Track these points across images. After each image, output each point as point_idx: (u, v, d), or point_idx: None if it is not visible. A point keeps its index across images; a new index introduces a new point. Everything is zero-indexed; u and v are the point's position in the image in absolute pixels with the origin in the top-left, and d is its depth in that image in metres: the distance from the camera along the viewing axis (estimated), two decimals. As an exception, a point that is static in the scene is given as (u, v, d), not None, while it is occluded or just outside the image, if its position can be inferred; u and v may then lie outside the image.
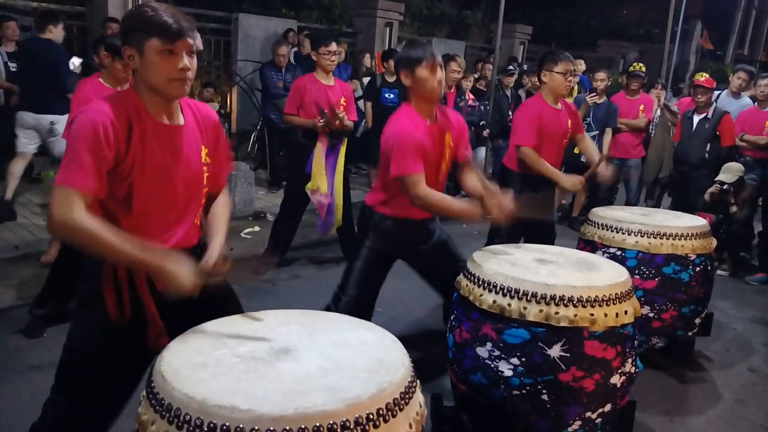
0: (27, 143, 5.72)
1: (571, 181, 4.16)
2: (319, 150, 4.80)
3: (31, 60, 5.80)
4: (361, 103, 8.02)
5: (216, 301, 2.18)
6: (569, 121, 4.34)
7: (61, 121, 5.46)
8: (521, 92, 8.21)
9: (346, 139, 4.91)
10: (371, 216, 3.25)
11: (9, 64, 6.65)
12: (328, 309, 3.25)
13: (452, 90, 7.24)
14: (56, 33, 5.74)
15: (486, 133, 7.99)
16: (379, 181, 3.25)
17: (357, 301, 3.22)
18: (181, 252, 2.09)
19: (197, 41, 2.06)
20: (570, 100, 5.49)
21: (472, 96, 7.96)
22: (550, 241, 4.24)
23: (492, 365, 2.59)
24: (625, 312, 2.56)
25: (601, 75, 7.04)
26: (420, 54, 3.01)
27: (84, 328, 2.10)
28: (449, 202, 3.06)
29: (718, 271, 5.61)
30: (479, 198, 3.04)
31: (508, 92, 8.40)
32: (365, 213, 3.31)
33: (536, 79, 7.39)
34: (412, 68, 3.01)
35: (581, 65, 8.44)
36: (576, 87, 7.73)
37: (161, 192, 2.03)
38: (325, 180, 4.81)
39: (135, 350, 2.07)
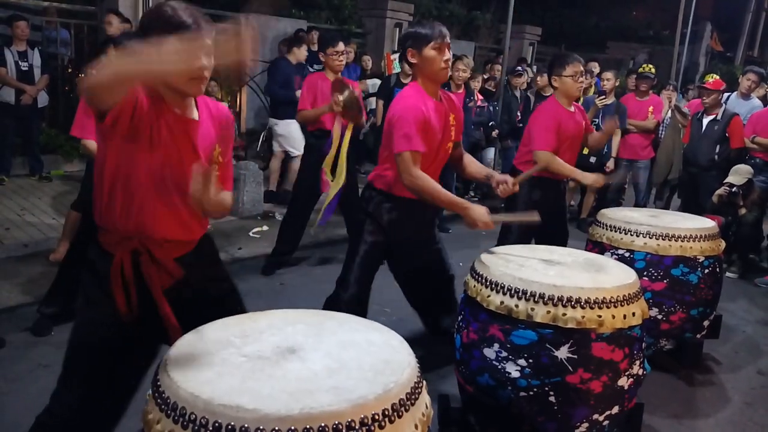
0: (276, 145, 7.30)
1: (592, 177, 4.21)
2: (336, 131, 4.71)
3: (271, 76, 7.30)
4: (371, 102, 8.07)
5: (218, 299, 2.19)
6: (583, 122, 4.35)
7: (279, 124, 7.10)
8: (530, 93, 8.19)
9: (351, 125, 4.81)
10: (370, 195, 3.22)
11: (20, 63, 6.70)
12: (327, 306, 3.27)
13: (461, 90, 7.24)
14: (298, 54, 7.14)
15: (495, 133, 7.98)
16: (383, 155, 3.20)
17: (357, 297, 3.23)
18: (181, 247, 2.12)
19: None
20: (580, 101, 5.47)
21: (480, 96, 7.95)
22: (562, 241, 4.23)
23: (499, 366, 2.58)
24: (633, 314, 2.55)
25: (608, 74, 7.04)
26: (428, 33, 2.97)
27: (90, 323, 2.11)
28: (439, 189, 2.99)
29: (727, 273, 5.58)
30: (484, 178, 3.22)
31: (518, 93, 8.38)
32: (365, 193, 3.27)
33: (546, 80, 7.41)
34: (420, 47, 2.98)
35: (596, 68, 8.41)
36: (593, 87, 7.70)
37: (166, 177, 2.02)
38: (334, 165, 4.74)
39: (141, 346, 2.08)
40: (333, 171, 4.78)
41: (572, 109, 4.26)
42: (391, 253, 3.32)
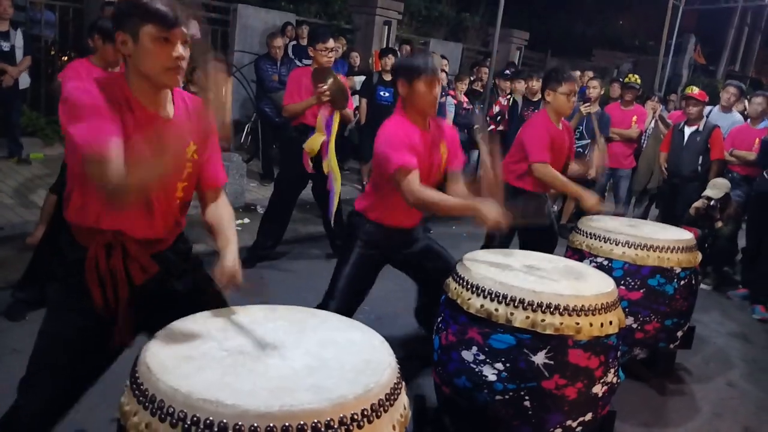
0: None
1: (594, 199, 4.00)
2: (320, 121, 4.79)
3: None
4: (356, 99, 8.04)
5: (196, 294, 2.17)
6: (568, 143, 4.32)
7: None
8: (517, 97, 8.22)
9: (337, 113, 4.87)
10: (358, 221, 3.23)
11: (2, 43, 6.58)
12: None
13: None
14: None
15: (479, 137, 8.01)
16: (370, 186, 3.24)
17: (346, 306, 3.17)
18: (157, 245, 2.09)
19: (196, 29, 2.04)
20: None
21: (466, 99, 7.97)
22: (551, 247, 4.24)
23: (476, 369, 2.60)
24: (610, 322, 2.58)
25: (593, 83, 7.09)
26: (421, 66, 2.97)
27: (63, 313, 2.08)
28: (443, 197, 2.97)
29: (702, 285, 5.64)
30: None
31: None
32: (352, 219, 3.28)
33: (522, 85, 7.48)
34: (411, 79, 2.98)
35: (586, 76, 8.47)
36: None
37: None
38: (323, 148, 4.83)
39: (112, 338, 2.06)
40: (318, 160, 4.84)
41: (560, 126, 4.23)
42: (384, 260, 3.32)
